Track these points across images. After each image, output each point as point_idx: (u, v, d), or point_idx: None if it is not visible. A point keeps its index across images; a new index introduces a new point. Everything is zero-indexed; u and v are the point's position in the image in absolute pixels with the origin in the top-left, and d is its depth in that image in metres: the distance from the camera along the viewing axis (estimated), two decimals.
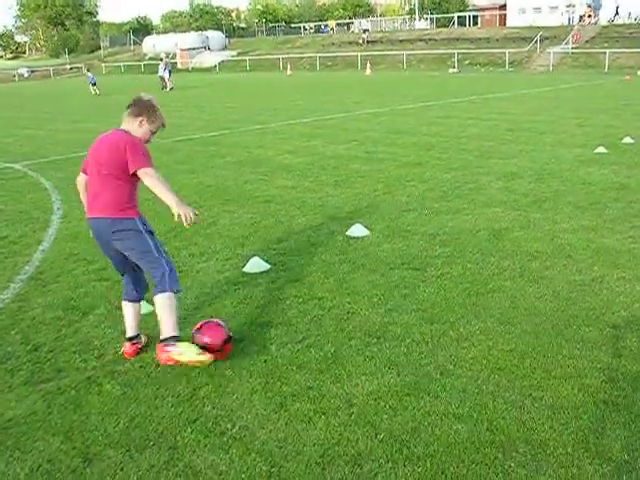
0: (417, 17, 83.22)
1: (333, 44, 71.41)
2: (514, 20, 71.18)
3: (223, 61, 73.33)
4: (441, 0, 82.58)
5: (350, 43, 70.04)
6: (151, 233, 5.08)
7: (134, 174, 4.85)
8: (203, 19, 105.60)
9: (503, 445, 3.85)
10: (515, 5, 73.50)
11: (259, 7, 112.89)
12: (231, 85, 44.40)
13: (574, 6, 65.58)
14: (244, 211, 9.40)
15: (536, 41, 52.60)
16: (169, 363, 4.79)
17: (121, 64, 79.84)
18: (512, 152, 13.40)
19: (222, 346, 4.96)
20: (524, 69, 49.64)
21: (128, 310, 5.31)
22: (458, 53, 54.04)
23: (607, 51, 45.38)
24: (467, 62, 54.10)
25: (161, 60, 41.90)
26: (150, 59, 74.44)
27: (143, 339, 5.38)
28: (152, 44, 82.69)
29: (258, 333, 5.46)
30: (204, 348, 4.81)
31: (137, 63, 77.54)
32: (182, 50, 75.60)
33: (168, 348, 4.73)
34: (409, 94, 29.73)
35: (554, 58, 48.60)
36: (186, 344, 4.78)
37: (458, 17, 75.84)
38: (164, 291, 4.86)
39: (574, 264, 6.79)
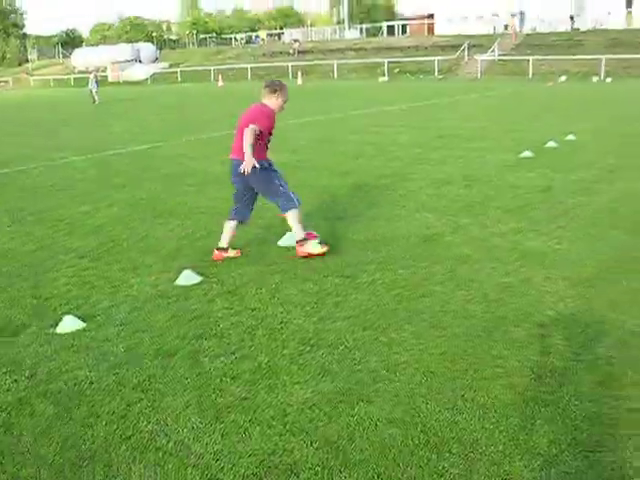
0: (347, 27, 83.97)
1: (264, 54, 71.53)
2: (442, 29, 72.37)
3: (154, 73, 72.68)
4: (370, 10, 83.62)
5: (281, 53, 70.24)
6: (268, 168, 7.21)
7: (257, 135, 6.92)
8: (134, 31, 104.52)
9: (437, 446, 3.90)
10: (442, 14, 74.76)
11: (189, 19, 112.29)
12: (163, 97, 43.98)
13: (499, 15, 67.06)
14: (176, 224, 9.32)
15: (464, 49, 53.61)
16: (303, 255, 7.30)
17: (50, 77, 78.47)
18: (442, 158, 13.63)
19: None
20: (453, 76, 50.57)
21: (226, 226, 7.55)
22: (388, 62, 54.75)
23: (530, 58, 46.57)
24: (397, 70, 54.83)
25: (90, 74, 41.28)
26: (80, 72, 73.29)
27: (232, 253, 7.66)
28: (82, 57, 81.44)
29: (191, 346, 5.42)
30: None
31: (67, 76, 76.28)
32: (113, 63, 74.65)
33: (301, 247, 7.32)
34: (339, 103, 29.96)
35: (482, 65, 49.65)
36: (312, 241, 7.34)
37: (387, 27, 76.90)
38: (288, 209, 7.26)
39: (502, 266, 6.94)
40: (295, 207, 7.27)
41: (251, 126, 6.84)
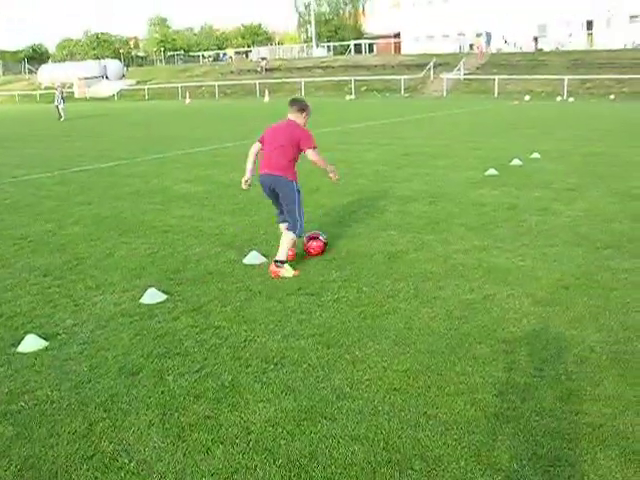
0: (314, 45, 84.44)
1: (232, 72, 71.59)
2: (408, 48, 73.21)
3: (121, 90, 72.38)
4: (337, 29, 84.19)
5: (249, 71, 70.35)
6: (299, 192, 7.84)
7: (301, 150, 7.71)
8: (101, 47, 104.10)
9: (399, 463, 3.92)
10: (409, 33, 75.71)
11: (157, 36, 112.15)
12: (129, 114, 43.81)
13: (464, 35, 68.00)
14: (141, 242, 9.27)
15: (429, 68, 54.16)
16: (275, 275, 7.53)
17: (15, 93, 77.74)
18: (407, 176, 13.74)
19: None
20: (419, 94, 51.03)
21: (281, 226, 8.11)
22: (355, 80, 55.02)
23: (496, 77, 47.18)
24: (364, 88, 55.17)
25: (56, 89, 40.93)
26: (46, 88, 72.69)
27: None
28: (48, 73, 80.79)
29: (155, 364, 5.39)
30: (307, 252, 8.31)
31: (32, 92, 75.64)
32: (79, 79, 74.17)
33: (276, 267, 7.57)
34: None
35: (447, 84, 50.16)
36: (287, 266, 7.62)
37: (355, 45, 77.46)
38: (291, 231, 7.74)
39: (466, 283, 7.00)
40: (297, 234, 7.82)
41: (316, 149, 7.77)
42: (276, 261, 7.60)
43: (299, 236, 7.91)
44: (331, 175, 8.17)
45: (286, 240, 7.73)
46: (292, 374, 5.11)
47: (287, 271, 7.57)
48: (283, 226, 7.97)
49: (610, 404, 4.48)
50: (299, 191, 7.83)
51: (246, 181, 7.99)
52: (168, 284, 7.38)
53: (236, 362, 5.37)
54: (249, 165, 8.00)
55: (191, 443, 4.24)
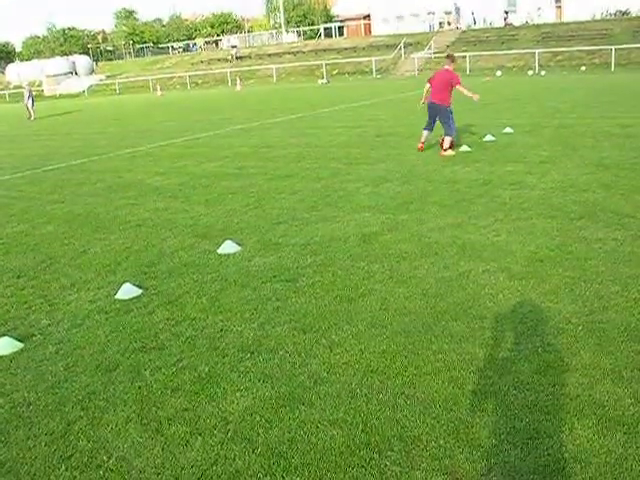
0: (284, 31, 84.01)
1: (202, 62, 71.15)
2: (379, 29, 72.92)
3: (91, 85, 71.76)
4: (306, 13, 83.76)
5: (219, 60, 69.98)
6: (451, 112, 13.31)
7: (453, 86, 13.14)
8: (68, 43, 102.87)
9: (378, 445, 3.92)
10: (379, 14, 75.31)
11: (125, 29, 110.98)
12: (100, 110, 43.44)
13: (434, 13, 67.87)
14: (115, 237, 9.19)
15: (400, 48, 54.07)
16: (446, 155, 13.20)
17: None
18: (380, 157, 13.72)
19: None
20: (391, 75, 50.98)
21: (424, 133, 13.88)
22: (326, 64, 54.90)
23: (467, 54, 47.14)
24: (335, 72, 55.08)
25: (24, 88, 40.45)
26: (15, 87, 71.86)
27: (425, 145, 14.13)
28: (16, 72, 79.87)
29: (132, 360, 5.35)
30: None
31: (1, 92, 74.77)
32: (48, 77, 73.38)
33: (444, 152, 13.28)
34: (279, 107, 29.96)
35: (419, 63, 50.11)
36: (449, 151, 13.26)
37: (324, 29, 77.15)
38: (448, 135, 13.33)
39: (441, 261, 7.00)
40: (453, 134, 13.40)
41: (461, 84, 13.26)
42: (445, 149, 13.34)
43: (452, 136, 13.36)
44: (474, 98, 13.52)
45: (447, 140, 13.34)
46: (269, 362, 5.08)
47: (449, 153, 13.22)
48: (425, 133, 13.90)
49: (587, 374, 4.50)
50: (451, 112, 13.37)
51: (423, 103, 13.87)
52: (143, 278, 7.33)
53: (212, 353, 5.34)
54: (424, 95, 13.78)
55: (169, 437, 4.22)
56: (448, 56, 13.77)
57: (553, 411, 4.09)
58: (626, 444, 3.74)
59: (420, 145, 13.99)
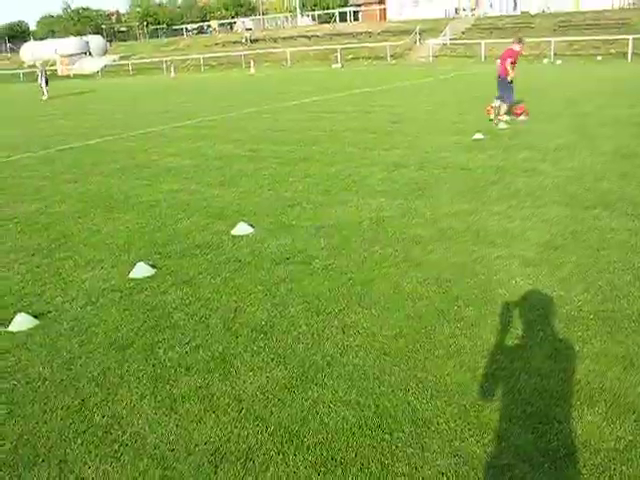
0: (299, 14, 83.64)
1: (216, 44, 70.88)
2: (394, 14, 72.47)
3: (105, 66, 71.64)
4: None
5: (234, 43, 69.68)
6: (510, 82, 15.65)
7: (511, 60, 15.81)
8: (82, 23, 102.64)
9: (390, 427, 3.95)
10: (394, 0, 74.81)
11: (139, 10, 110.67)
12: (114, 90, 43.44)
13: None
14: (129, 217, 9.24)
15: (415, 34, 53.77)
16: (495, 119, 15.78)
17: None
18: (395, 143, 13.71)
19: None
20: (406, 61, 50.69)
21: (495, 102, 16.01)
22: (341, 48, 54.61)
23: (482, 42, 46.83)
24: (350, 57, 54.76)
25: (38, 68, 40.42)
26: (29, 67, 71.86)
27: (495, 112, 16.11)
28: (30, 51, 79.79)
29: (145, 338, 5.40)
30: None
31: (15, 71, 74.77)
32: (62, 56, 73.33)
33: (500, 118, 15.64)
34: (293, 90, 29.88)
35: (433, 49, 49.81)
36: (504, 117, 15.65)
37: (340, 13, 76.74)
38: (504, 103, 15.80)
39: (455, 246, 7.02)
40: (507, 104, 15.64)
41: (509, 60, 15.50)
42: (499, 115, 15.56)
43: (509, 105, 15.69)
44: (509, 76, 15.53)
45: (502, 107, 15.57)
46: (282, 342, 5.13)
47: (504, 120, 15.30)
48: (497, 101, 15.73)
49: (597, 361, 4.52)
50: (511, 82, 15.54)
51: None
52: (157, 258, 7.37)
53: (226, 333, 5.38)
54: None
55: (183, 414, 4.27)
56: (515, 37, 16.64)
57: (563, 397, 4.12)
58: (636, 431, 3.77)
59: (489, 108, 16.26)
